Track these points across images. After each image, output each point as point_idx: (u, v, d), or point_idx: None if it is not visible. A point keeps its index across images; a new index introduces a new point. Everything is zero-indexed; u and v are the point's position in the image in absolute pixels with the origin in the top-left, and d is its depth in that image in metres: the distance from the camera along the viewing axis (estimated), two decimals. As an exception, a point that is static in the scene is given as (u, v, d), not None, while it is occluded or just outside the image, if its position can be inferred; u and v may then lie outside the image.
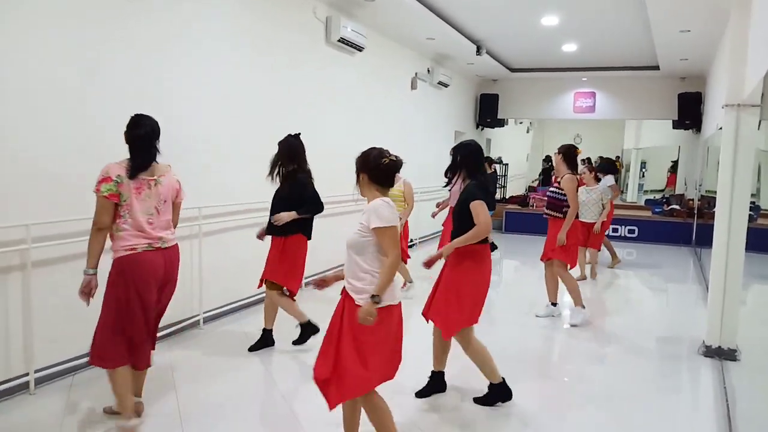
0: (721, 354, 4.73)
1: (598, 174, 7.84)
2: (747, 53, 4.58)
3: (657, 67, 10.73)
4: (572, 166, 5.53)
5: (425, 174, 10.45)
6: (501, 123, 13.44)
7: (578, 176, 5.80)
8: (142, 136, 3.12)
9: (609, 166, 8.73)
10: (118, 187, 3.01)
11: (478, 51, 9.68)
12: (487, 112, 13.07)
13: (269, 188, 5.84)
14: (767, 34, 3.69)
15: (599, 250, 7.90)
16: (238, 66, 5.47)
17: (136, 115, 3.20)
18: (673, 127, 12.00)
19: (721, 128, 4.94)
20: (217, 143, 5.25)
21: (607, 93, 12.43)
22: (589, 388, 4.16)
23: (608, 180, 8.13)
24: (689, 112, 11.33)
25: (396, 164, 2.85)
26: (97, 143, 3.99)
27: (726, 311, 4.75)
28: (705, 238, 8.09)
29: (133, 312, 3.10)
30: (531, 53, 10.75)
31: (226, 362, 4.33)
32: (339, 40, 6.91)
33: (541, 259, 5.72)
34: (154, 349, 3.39)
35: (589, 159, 12.86)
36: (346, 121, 7.47)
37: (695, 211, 10.91)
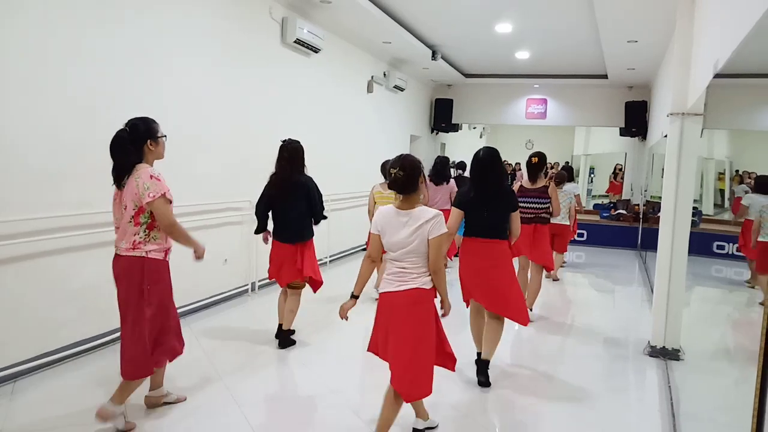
0: (666, 354, 4.90)
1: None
2: (691, 65, 4.77)
3: (605, 76, 11.06)
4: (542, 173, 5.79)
5: (381, 177, 10.48)
6: (455, 128, 13.58)
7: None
8: (110, 144, 3.14)
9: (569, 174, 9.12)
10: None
11: (434, 56, 9.77)
12: (442, 116, 13.20)
13: (223, 189, 5.77)
14: (710, 46, 3.85)
15: (565, 252, 8.12)
16: (192, 65, 5.36)
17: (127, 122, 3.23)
18: (620, 135, 12.40)
19: (666, 136, 5.12)
20: (171, 143, 5.12)
21: (558, 100, 12.73)
22: (539, 389, 4.23)
23: (575, 187, 8.71)
24: (635, 120, 11.73)
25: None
26: (53, 142, 3.84)
27: (670, 313, 4.92)
28: (650, 242, 8.38)
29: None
30: (485, 59, 10.92)
31: (178, 367, 4.23)
32: (295, 41, 6.85)
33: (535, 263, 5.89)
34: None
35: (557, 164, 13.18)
36: (303, 122, 7.41)
37: (641, 216, 11.28)
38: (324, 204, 4.72)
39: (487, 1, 7.07)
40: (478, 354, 4.26)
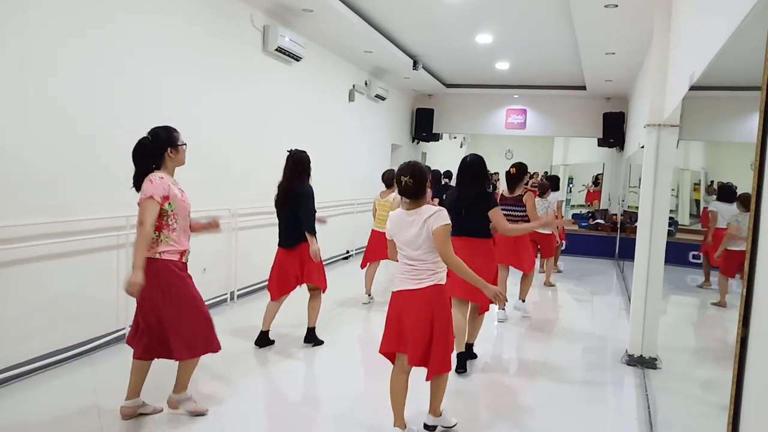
0: (643, 363, 4.95)
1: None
2: (667, 77, 4.85)
3: (584, 87, 11.21)
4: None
5: (363, 185, 10.48)
6: (436, 137, 13.65)
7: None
8: (133, 151, 3.36)
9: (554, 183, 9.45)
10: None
11: (415, 66, 9.83)
12: (423, 126, 13.27)
13: (203, 197, 5.72)
14: (686, 59, 3.92)
15: (551, 257, 8.42)
16: (174, 72, 5.32)
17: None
18: (598, 145, 12.56)
19: (642, 147, 5.19)
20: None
21: (538, 110, 12.86)
22: (517, 397, 4.25)
23: (557, 195, 9.10)
24: (613, 130, 11.89)
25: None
26: (31, 149, 3.78)
27: (647, 321, 4.97)
28: (627, 252, 8.47)
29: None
30: (466, 70, 11.01)
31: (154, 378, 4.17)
32: (277, 49, 6.84)
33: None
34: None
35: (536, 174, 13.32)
36: (284, 130, 7.39)
37: (618, 226, 11.41)
38: (314, 215, 4.80)
39: (467, 13, 7.13)
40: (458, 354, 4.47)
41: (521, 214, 5.99)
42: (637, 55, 7.82)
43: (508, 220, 5.66)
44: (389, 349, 3.30)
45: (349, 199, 9.66)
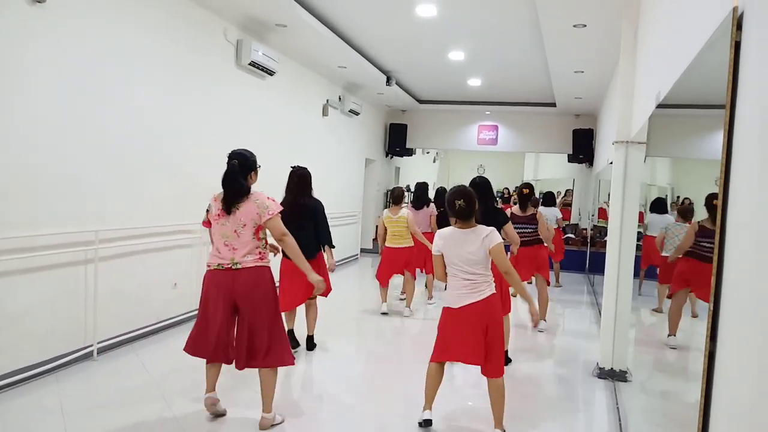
0: (614, 375, 5.01)
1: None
2: (634, 95, 4.97)
3: (554, 104, 11.41)
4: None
5: (337, 199, 10.47)
6: (409, 152, 13.74)
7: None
8: (225, 173, 3.56)
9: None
10: (207, 215, 3.68)
11: (388, 81, 9.90)
12: (396, 141, 13.34)
13: (174, 211, 5.65)
14: (652, 78, 4.03)
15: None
16: (145, 85, 5.27)
17: (231, 153, 3.63)
18: (568, 161, 12.77)
19: (611, 163, 5.30)
20: (125, 163, 5.01)
21: (509, 127, 13.04)
22: (488, 411, 4.24)
23: (556, 211, 9.75)
24: (582, 147, 12.11)
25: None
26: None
27: (617, 335, 5.04)
28: (597, 266, 8.59)
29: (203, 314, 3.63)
30: (438, 86, 11.13)
31: (123, 396, 4.08)
32: (250, 64, 6.83)
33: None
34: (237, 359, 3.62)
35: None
36: (257, 144, 7.31)
37: (588, 240, 11.57)
38: (329, 228, 5.22)
39: (440, 30, 7.22)
40: None
41: (533, 231, 6.44)
42: (605, 74, 8.01)
43: (522, 236, 6.29)
44: (442, 359, 3.66)
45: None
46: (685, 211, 3.71)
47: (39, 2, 4.05)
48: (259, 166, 3.76)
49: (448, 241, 3.58)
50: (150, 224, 5.37)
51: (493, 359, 3.57)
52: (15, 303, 4.08)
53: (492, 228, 3.55)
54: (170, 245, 5.73)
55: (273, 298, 3.61)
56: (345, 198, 11.06)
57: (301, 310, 5.39)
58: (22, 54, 4.01)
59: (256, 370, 3.62)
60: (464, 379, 4.87)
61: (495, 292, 3.58)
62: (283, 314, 4.89)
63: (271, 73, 7.34)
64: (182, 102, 5.85)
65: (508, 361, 5.20)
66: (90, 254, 4.70)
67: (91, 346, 4.76)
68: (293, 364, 3.72)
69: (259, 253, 3.57)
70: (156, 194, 5.48)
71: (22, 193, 4.07)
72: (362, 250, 12.38)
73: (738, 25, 1.80)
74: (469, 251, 3.49)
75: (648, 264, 5.27)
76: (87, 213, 4.64)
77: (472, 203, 3.52)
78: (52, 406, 3.81)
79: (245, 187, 3.55)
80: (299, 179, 5.06)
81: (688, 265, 3.21)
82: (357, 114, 11.08)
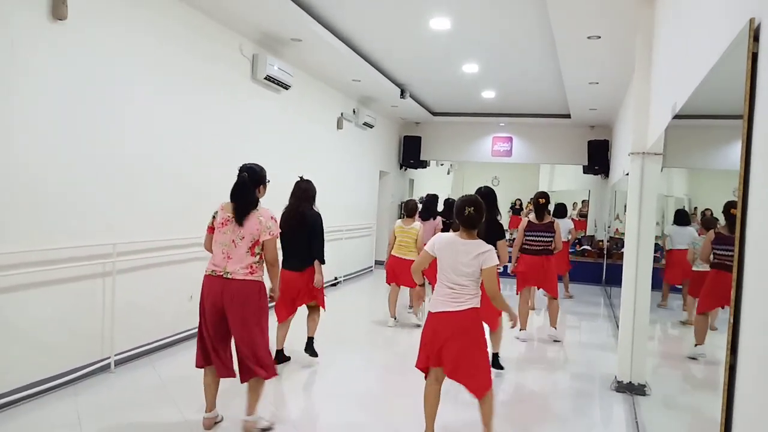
0: (632, 389, 4.94)
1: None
2: (650, 106, 4.95)
3: (568, 116, 11.37)
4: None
5: (351, 212, 10.50)
6: (423, 164, 13.75)
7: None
8: (235, 185, 3.68)
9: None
10: (212, 221, 3.76)
11: (402, 94, 9.94)
12: (410, 153, 13.36)
13: (190, 224, 5.70)
14: (668, 89, 4.01)
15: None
16: (162, 99, 5.34)
17: (242, 167, 3.75)
18: (584, 172, 12.70)
19: (627, 174, 5.27)
20: (140, 176, 5.07)
21: (523, 138, 13.00)
22: (506, 425, 4.21)
23: (569, 223, 9.93)
24: (598, 158, 12.04)
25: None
26: (9, 174, 3.76)
27: (635, 348, 4.97)
28: (614, 278, 8.52)
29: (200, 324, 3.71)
30: (452, 98, 11.14)
31: (140, 408, 4.10)
32: (266, 78, 6.90)
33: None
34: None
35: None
36: (273, 158, 7.41)
37: (605, 252, 11.48)
38: (324, 244, 5.13)
39: (454, 43, 7.25)
40: None
41: (549, 240, 6.62)
42: (620, 85, 7.98)
43: (538, 244, 6.60)
44: (426, 364, 3.58)
45: (337, 225, 9.66)
46: (709, 223, 3.67)
47: (60, 20, 4.13)
48: (269, 181, 3.83)
49: (445, 246, 3.55)
50: (165, 237, 5.41)
51: (476, 376, 3.52)
52: (32, 316, 4.13)
53: (492, 247, 3.52)
54: (185, 258, 5.77)
55: (260, 314, 3.65)
56: (359, 210, 11.08)
57: (296, 324, 5.29)
58: (38, 69, 4.08)
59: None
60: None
61: (477, 307, 3.52)
62: (275, 328, 4.95)
63: (286, 87, 7.41)
64: (198, 116, 5.92)
65: (499, 367, 5.36)
66: (108, 267, 4.75)
67: (109, 358, 4.80)
68: (273, 376, 3.75)
69: (252, 267, 3.63)
70: (171, 207, 5.53)
71: (39, 209, 4.12)
72: (376, 262, 12.37)
73: (755, 36, 1.79)
74: (462, 262, 3.47)
75: (681, 279, 5.23)
76: (101, 227, 4.69)
77: (481, 214, 3.52)
78: (70, 419, 3.84)
79: (256, 199, 3.67)
80: (302, 191, 5.12)
81: (718, 279, 3.14)
82: (371, 127, 11.13)
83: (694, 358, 3.95)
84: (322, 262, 5.10)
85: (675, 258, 5.93)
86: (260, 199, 3.76)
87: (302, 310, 5.30)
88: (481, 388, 3.55)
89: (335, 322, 6.38)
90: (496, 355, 5.37)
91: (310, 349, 5.33)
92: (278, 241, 3.74)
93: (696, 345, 3.68)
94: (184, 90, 5.68)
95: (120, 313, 4.88)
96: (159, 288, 5.39)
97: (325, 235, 5.16)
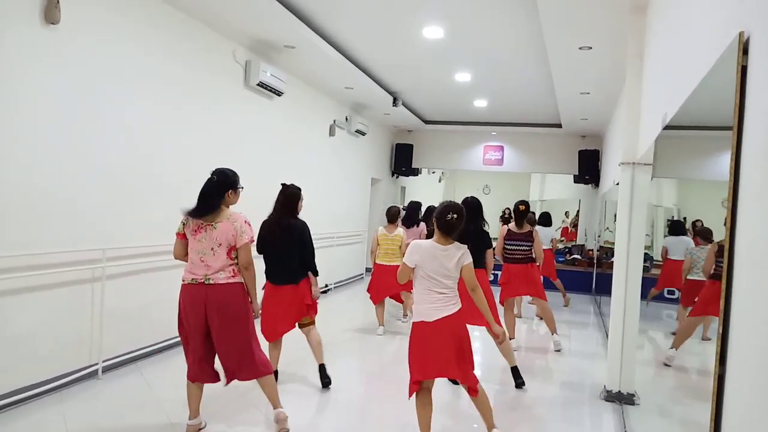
0: (621, 398, 4.95)
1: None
2: (640, 117, 4.98)
3: (560, 125, 11.45)
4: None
5: (342, 219, 10.49)
6: (415, 172, 13.79)
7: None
8: (202, 189, 3.67)
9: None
10: (183, 227, 3.70)
11: (395, 102, 9.97)
12: (402, 161, 13.40)
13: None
14: (658, 100, 4.05)
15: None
16: (154, 104, 5.33)
17: (214, 170, 3.73)
18: (574, 182, 12.76)
19: (617, 184, 5.30)
20: (131, 181, 5.04)
21: (515, 147, 13.07)
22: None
23: (552, 232, 9.93)
24: (588, 167, 12.12)
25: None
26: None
27: (624, 357, 4.99)
28: (604, 287, 8.55)
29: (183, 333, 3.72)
30: (444, 107, 11.19)
31: (127, 415, 4.06)
32: (258, 84, 6.90)
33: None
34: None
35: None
36: (265, 164, 7.40)
37: (595, 261, 11.53)
38: (314, 253, 4.81)
39: (447, 52, 7.29)
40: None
41: (528, 249, 6.47)
42: (611, 95, 8.04)
43: (519, 253, 6.47)
44: (424, 377, 3.56)
45: (328, 232, 9.65)
46: (705, 233, 3.69)
47: (53, 24, 4.12)
48: (241, 188, 3.81)
49: (425, 255, 3.56)
50: (154, 243, 5.37)
51: (470, 373, 3.64)
52: (19, 322, 4.09)
53: (466, 246, 3.63)
54: (174, 264, 5.72)
55: (248, 313, 3.70)
56: (350, 217, 11.08)
57: (292, 342, 5.11)
58: (28, 74, 4.07)
59: (250, 383, 3.86)
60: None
61: (460, 308, 3.62)
62: (267, 347, 4.64)
63: (279, 93, 7.41)
64: (189, 121, 5.91)
65: (520, 380, 5.29)
66: (97, 272, 4.72)
67: (97, 364, 4.76)
68: (271, 372, 3.83)
69: (233, 270, 3.66)
70: (161, 212, 5.50)
71: (25, 214, 4.09)
72: (367, 270, 12.35)
73: (744, 49, 1.81)
74: (447, 267, 3.54)
75: (667, 286, 5.26)
76: (91, 232, 4.67)
77: (462, 220, 3.58)
78: (57, 426, 3.80)
79: (216, 202, 3.65)
80: (286, 198, 4.72)
81: (714, 288, 3.15)
82: (363, 134, 11.14)
83: (668, 365, 3.98)
84: (316, 274, 4.82)
85: (670, 268, 5.97)
86: (234, 205, 3.77)
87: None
88: (476, 383, 3.67)
89: (325, 329, 6.34)
90: (515, 369, 5.28)
91: (324, 376, 4.90)
92: (254, 246, 3.78)
93: (671, 348, 3.71)
94: (176, 95, 5.67)
95: (108, 319, 4.84)
96: (148, 294, 5.36)
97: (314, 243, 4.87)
